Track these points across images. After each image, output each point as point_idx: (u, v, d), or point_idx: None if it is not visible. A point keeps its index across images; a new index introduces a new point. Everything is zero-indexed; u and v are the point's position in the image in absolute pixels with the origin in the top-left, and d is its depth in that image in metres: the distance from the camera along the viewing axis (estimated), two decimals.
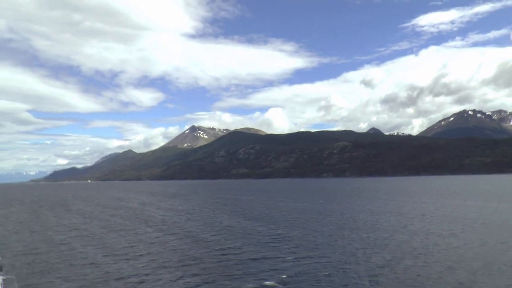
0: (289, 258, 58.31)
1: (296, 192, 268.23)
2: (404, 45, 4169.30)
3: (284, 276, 48.33)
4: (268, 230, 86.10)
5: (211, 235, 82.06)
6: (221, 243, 71.64)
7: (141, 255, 64.73)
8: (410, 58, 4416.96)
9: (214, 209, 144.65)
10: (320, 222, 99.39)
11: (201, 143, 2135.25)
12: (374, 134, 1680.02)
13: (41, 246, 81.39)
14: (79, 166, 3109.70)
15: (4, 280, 27.67)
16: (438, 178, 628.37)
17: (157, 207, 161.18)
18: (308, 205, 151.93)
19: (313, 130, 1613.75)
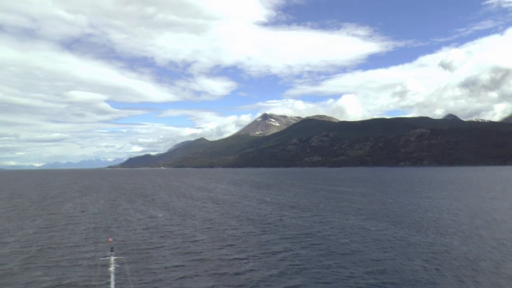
0: None
1: (392, 184, 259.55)
2: (488, 24, 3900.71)
3: None
4: (411, 237, 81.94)
5: (351, 242, 77.87)
6: (374, 255, 63.97)
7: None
8: (494, 37, 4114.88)
9: (324, 204, 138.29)
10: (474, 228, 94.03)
11: (273, 131, 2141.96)
12: (452, 121, 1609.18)
13: (148, 232, 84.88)
14: (153, 153, 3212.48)
15: (115, 259, 30.45)
16: None
17: (249, 199, 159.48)
18: (422, 201, 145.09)
19: (387, 117, 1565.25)
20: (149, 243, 73.97)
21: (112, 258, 30.29)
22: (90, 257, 63.58)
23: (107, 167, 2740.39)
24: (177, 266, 58.25)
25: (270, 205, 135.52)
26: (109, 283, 30.51)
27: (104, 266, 31.62)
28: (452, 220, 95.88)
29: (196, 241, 76.00)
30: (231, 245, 71.55)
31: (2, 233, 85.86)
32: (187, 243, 73.44)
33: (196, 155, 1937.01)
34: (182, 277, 52.79)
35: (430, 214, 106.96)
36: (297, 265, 57.90)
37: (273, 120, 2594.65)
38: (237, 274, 53.99)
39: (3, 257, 64.25)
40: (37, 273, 55.59)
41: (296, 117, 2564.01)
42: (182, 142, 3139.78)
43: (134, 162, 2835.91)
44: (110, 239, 44.42)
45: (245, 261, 60.55)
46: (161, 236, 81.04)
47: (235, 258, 62.15)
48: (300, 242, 72.73)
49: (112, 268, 30.19)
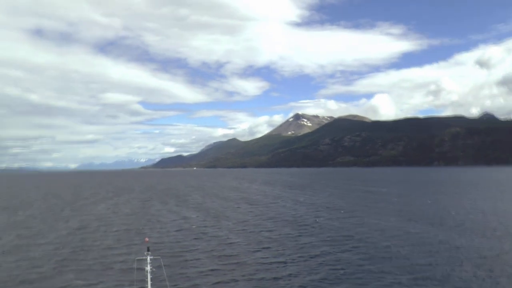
0: None
1: (428, 184, 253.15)
2: None
3: None
4: (455, 240, 78.42)
5: (393, 245, 74.98)
6: (418, 259, 61.50)
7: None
8: None
9: (360, 205, 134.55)
10: None
11: (305, 131, 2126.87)
12: (488, 120, 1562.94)
13: (181, 234, 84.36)
14: (185, 154, 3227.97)
15: (151, 259, 30.81)
16: None
17: (284, 199, 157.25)
18: (463, 202, 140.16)
19: (421, 116, 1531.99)
20: (183, 246, 73.01)
21: (149, 258, 30.63)
22: (123, 259, 62.79)
23: (140, 168, 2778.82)
24: (213, 270, 56.86)
25: (305, 206, 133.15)
26: (145, 282, 30.85)
27: (140, 266, 32.29)
28: (498, 222, 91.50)
29: (231, 243, 74.59)
30: (267, 247, 69.79)
31: (37, 234, 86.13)
32: (222, 246, 72.05)
33: (228, 156, 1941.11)
34: (218, 282, 51.45)
35: (472, 216, 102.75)
36: (338, 269, 55.63)
37: (305, 120, 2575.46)
38: (275, 279, 52.07)
39: (39, 259, 63.95)
40: (70, 275, 55.24)
41: (329, 117, 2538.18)
42: (214, 143, 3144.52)
43: (166, 162, 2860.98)
44: (147, 239, 44.25)
45: (283, 265, 58.57)
46: (195, 238, 79.92)
47: (272, 262, 60.26)
48: (339, 245, 70.36)
49: (148, 268, 30.53)
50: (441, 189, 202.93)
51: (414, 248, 66.44)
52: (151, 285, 31.14)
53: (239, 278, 53.00)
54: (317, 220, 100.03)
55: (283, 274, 53.67)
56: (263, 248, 69.33)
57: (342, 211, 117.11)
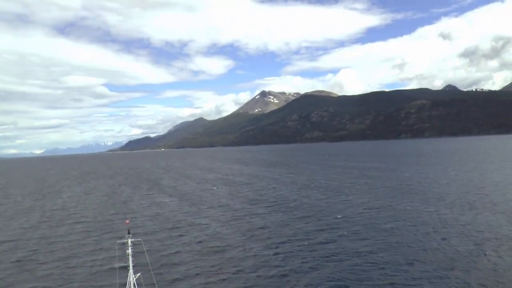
0: None
1: (405, 157, 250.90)
2: None
3: None
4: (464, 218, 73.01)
5: (408, 230, 66.98)
6: (437, 244, 55.10)
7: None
8: (495, 5, 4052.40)
9: (348, 183, 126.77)
10: None
11: (272, 108, 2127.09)
12: (451, 91, 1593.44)
13: (158, 219, 77.83)
14: (152, 135, 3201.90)
15: (132, 242, 29.99)
16: None
17: (261, 179, 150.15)
18: (449, 174, 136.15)
19: (387, 90, 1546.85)
20: (163, 229, 69.20)
21: (130, 241, 29.91)
22: (104, 244, 58.00)
23: (107, 151, 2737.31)
24: (194, 251, 51.63)
25: (287, 186, 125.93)
26: (127, 265, 30.07)
27: (122, 249, 31.83)
28: (500, 195, 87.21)
29: (209, 224, 70.25)
30: (253, 235, 62.13)
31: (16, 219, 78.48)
32: (203, 229, 65.91)
33: (196, 135, 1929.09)
34: (199, 261, 50.43)
35: (464, 188, 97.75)
36: (342, 260, 48.12)
37: (271, 97, 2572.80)
38: (279, 277, 45.03)
39: (20, 245, 57.35)
40: (49, 263, 53.71)
41: (295, 93, 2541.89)
42: (182, 123, 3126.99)
43: (134, 144, 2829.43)
44: (127, 221, 41.55)
45: (281, 256, 50.97)
46: (175, 221, 74.66)
47: (266, 254, 52.30)
48: (341, 231, 62.40)
49: (130, 250, 29.80)
50: (420, 161, 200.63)
51: (426, 230, 60.21)
52: (133, 267, 30.29)
53: (221, 260, 50.27)
54: (307, 202, 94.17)
55: (283, 269, 46.52)
56: (251, 236, 61.70)
57: (330, 190, 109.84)
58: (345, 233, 60.74)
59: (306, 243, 56.10)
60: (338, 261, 48.03)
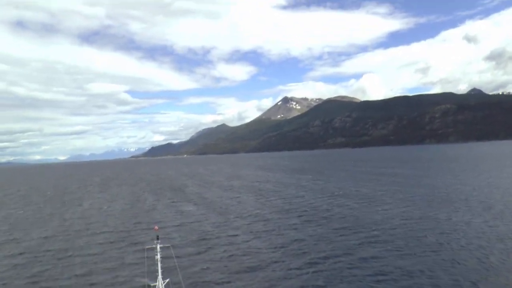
0: None
1: (436, 162, 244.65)
2: None
3: None
4: None
5: (459, 246, 60.29)
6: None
7: None
8: None
9: (380, 191, 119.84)
10: None
11: (294, 114, 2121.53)
12: (477, 95, 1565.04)
13: (187, 226, 76.61)
14: (174, 141, 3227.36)
15: (161, 247, 30.20)
16: None
17: (288, 186, 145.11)
18: (489, 181, 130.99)
19: (410, 95, 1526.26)
20: (191, 236, 67.41)
21: (158, 246, 30.08)
22: (131, 250, 54.42)
23: (130, 157, 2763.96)
24: (224, 257, 50.72)
25: (316, 194, 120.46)
26: (156, 271, 30.10)
27: (150, 255, 30.55)
28: None
29: (239, 234, 66.70)
30: (287, 250, 57.07)
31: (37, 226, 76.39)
32: (232, 237, 63.10)
33: (218, 142, 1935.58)
34: (230, 268, 49.66)
35: (509, 196, 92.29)
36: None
37: (294, 103, 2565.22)
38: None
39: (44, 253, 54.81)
40: (77, 270, 52.67)
41: (318, 99, 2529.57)
42: (204, 129, 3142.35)
43: (156, 151, 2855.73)
44: (156, 227, 38.80)
45: (322, 275, 46.05)
46: (203, 231, 71.56)
47: (305, 272, 47.39)
48: (382, 245, 57.12)
49: (158, 256, 29.93)
50: (454, 166, 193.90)
51: (482, 243, 54.78)
52: (162, 273, 30.31)
53: (252, 266, 49.16)
54: (342, 211, 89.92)
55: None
56: (279, 247, 57.16)
57: (364, 199, 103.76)
58: (389, 248, 55.07)
59: (346, 259, 50.99)
60: (384, 282, 43.08)
